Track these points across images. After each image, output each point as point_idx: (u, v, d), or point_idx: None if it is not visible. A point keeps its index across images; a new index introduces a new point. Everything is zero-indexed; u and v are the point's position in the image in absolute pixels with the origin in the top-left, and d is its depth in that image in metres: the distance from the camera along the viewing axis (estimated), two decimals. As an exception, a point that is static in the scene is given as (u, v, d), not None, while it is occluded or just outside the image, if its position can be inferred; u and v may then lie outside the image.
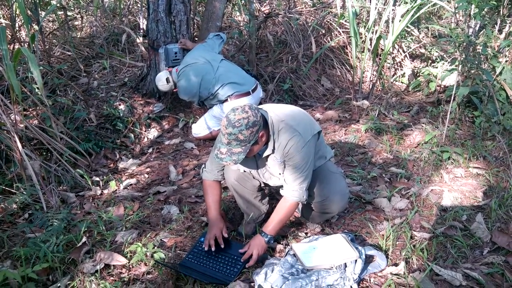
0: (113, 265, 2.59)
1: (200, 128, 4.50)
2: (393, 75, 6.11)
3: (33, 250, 2.65)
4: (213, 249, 2.59)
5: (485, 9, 4.68)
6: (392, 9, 5.53)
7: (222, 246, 2.61)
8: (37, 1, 4.99)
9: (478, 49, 4.37)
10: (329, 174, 2.71)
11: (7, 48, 3.24)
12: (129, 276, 2.51)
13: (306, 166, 2.46)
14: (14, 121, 3.42)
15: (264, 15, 6.38)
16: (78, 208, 3.31)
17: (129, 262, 2.60)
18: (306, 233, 2.85)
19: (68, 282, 2.45)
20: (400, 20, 5.16)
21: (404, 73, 6.10)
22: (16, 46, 4.75)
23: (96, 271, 2.53)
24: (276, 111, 2.51)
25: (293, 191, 2.52)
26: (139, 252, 2.58)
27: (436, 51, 6.19)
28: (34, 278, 2.40)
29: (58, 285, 2.43)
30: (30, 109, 4.21)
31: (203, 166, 2.84)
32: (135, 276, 2.51)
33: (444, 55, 6.00)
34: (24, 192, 3.32)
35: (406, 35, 6.43)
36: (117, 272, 2.56)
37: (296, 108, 2.69)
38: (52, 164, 3.65)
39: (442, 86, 5.40)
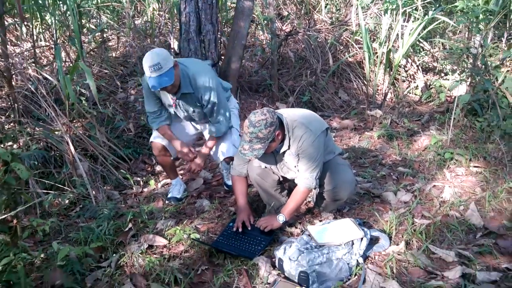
0: (156, 245, 3.07)
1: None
2: (407, 87, 6.51)
3: (87, 233, 3.15)
4: (240, 230, 3.07)
5: (493, 23, 5.07)
6: (403, 25, 5.96)
7: (249, 228, 3.09)
8: (79, 24, 5.57)
9: (485, 60, 4.77)
10: (337, 166, 3.15)
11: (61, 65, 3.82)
12: (170, 254, 2.97)
13: (317, 157, 2.91)
14: (67, 128, 3.96)
15: (285, 33, 6.88)
16: (122, 203, 3.81)
17: (169, 243, 3.08)
18: (320, 220, 3.28)
19: (118, 258, 2.93)
20: (410, 34, 5.58)
21: (417, 85, 6.50)
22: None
23: (141, 251, 2.99)
24: (290, 113, 2.99)
25: (305, 179, 2.97)
26: (178, 233, 3.06)
27: (449, 64, 6.58)
28: (91, 254, 2.87)
29: (110, 260, 2.91)
30: (76, 120, 4.75)
31: (231, 163, 3.32)
32: (175, 254, 2.97)
33: (457, 68, 6.38)
34: (74, 191, 3.82)
35: (421, 50, 6.84)
36: (159, 251, 3.03)
37: (306, 110, 3.18)
38: (98, 166, 4.16)
39: (452, 97, 5.78)
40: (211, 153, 3.68)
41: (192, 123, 3.74)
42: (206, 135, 3.71)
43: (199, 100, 3.37)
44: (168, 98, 3.43)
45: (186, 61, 3.42)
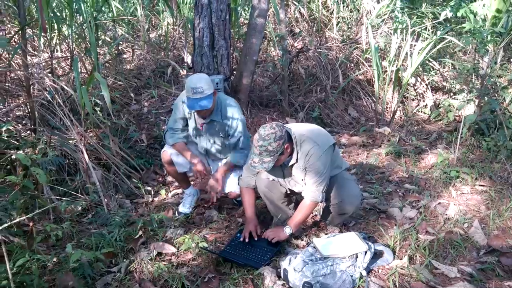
0: (165, 253, 3.15)
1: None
2: (416, 106, 6.59)
3: (99, 239, 3.24)
4: (246, 240, 3.16)
5: (502, 44, 5.15)
6: (412, 44, 6.06)
7: (256, 239, 3.18)
8: (96, 37, 5.73)
9: (492, 80, 4.84)
10: (344, 181, 3.23)
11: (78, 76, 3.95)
12: (178, 261, 3.06)
13: (324, 171, 2.99)
14: (81, 137, 4.08)
15: (297, 50, 6.99)
16: (133, 211, 3.90)
17: (178, 251, 3.16)
18: (326, 233, 3.34)
19: (128, 264, 3.01)
20: (418, 53, 5.68)
21: (426, 104, 6.57)
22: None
23: (151, 258, 3.07)
24: (298, 128, 3.09)
25: (312, 193, 3.05)
26: (186, 241, 3.15)
27: (459, 84, 6.64)
28: (102, 259, 2.96)
29: (120, 266, 2.99)
30: (90, 129, 4.87)
31: (239, 175, 3.42)
32: (183, 262, 3.06)
33: (465, 88, 6.44)
34: (87, 198, 3.92)
35: (431, 69, 6.92)
36: (168, 259, 3.11)
37: (314, 125, 3.28)
38: (111, 175, 4.26)
39: (461, 116, 5.84)
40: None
41: (207, 158, 3.87)
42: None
43: (224, 131, 3.55)
44: (192, 127, 3.62)
45: (221, 94, 3.66)
